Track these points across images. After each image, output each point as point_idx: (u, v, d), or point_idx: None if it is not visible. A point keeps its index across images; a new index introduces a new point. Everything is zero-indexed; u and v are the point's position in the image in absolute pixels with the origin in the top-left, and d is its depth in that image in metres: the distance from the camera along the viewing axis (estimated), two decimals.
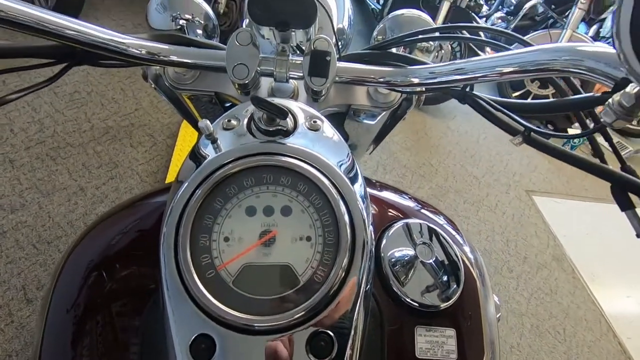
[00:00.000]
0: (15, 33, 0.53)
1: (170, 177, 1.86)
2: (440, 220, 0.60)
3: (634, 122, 3.59)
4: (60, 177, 1.73)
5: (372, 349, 0.46)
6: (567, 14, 2.85)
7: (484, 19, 3.47)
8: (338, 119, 0.66)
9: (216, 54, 0.49)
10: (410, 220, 0.54)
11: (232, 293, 0.33)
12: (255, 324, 0.32)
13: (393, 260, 0.50)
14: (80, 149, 1.87)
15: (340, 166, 0.40)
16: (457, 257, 0.52)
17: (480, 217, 2.39)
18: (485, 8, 3.37)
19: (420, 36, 0.53)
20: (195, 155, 0.40)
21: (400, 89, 0.53)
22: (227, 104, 0.62)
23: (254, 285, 0.33)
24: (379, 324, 0.47)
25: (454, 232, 0.58)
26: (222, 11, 2.29)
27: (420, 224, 0.54)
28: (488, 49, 2.85)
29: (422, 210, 0.61)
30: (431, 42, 0.61)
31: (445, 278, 0.49)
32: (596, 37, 3.21)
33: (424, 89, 0.51)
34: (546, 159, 3.05)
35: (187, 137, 2.08)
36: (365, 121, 0.66)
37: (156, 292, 0.44)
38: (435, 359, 0.45)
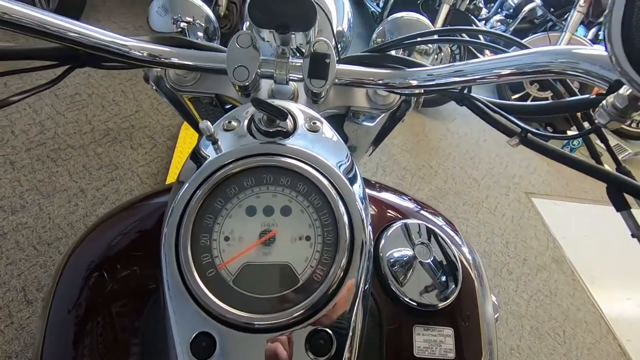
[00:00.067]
0: (17, 35, 0.54)
1: (170, 179, 1.86)
2: (439, 221, 0.60)
3: (633, 125, 3.60)
4: (60, 178, 1.74)
5: (371, 348, 0.46)
6: (566, 17, 2.87)
7: (483, 21, 3.48)
8: (337, 121, 0.67)
9: (217, 57, 0.50)
10: (408, 221, 0.54)
11: (232, 292, 0.33)
12: (255, 322, 0.32)
13: (392, 260, 0.50)
14: (81, 151, 1.87)
15: (340, 167, 0.40)
16: (455, 257, 0.52)
17: (479, 219, 2.40)
18: (484, 11, 3.38)
19: (419, 39, 0.54)
20: (196, 156, 0.41)
21: (398, 91, 0.54)
22: (228, 106, 0.62)
23: (254, 284, 0.34)
24: (377, 323, 0.48)
25: (452, 233, 0.59)
26: (222, 14, 2.30)
27: (419, 224, 0.54)
28: (487, 51, 2.86)
29: (421, 211, 0.62)
30: (430, 45, 0.62)
31: (443, 278, 0.50)
32: (595, 40, 3.22)
33: (422, 91, 0.51)
34: (545, 162, 3.06)
35: (187, 139, 2.08)
36: (364, 123, 0.67)
37: (156, 292, 0.44)
38: (433, 357, 0.46)
